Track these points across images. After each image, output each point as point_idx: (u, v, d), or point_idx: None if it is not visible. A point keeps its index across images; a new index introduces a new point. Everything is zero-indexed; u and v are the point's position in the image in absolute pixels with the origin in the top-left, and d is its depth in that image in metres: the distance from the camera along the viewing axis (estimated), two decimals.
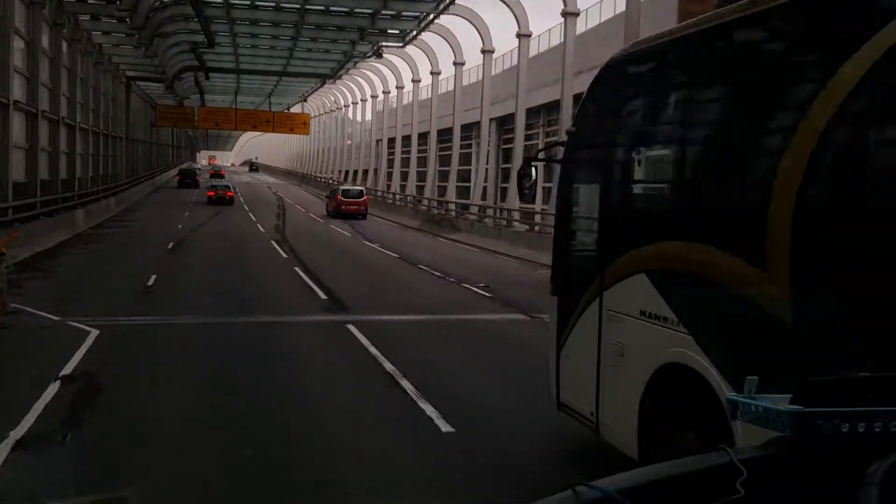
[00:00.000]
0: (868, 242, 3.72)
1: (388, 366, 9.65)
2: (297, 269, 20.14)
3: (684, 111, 5.28)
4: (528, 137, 34.26)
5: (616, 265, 5.49)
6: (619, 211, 5.81)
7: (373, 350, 10.61)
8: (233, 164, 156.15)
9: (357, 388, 8.96)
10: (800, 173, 3.90)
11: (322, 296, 15.76)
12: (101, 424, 7.30)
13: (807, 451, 1.39)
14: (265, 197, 60.09)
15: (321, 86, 64.90)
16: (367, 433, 7.31)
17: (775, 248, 4.01)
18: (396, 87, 54.09)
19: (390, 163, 56.72)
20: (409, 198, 46.09)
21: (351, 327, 12.19)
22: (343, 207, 41.03)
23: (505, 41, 37.49)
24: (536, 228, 26.47)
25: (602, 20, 32.41)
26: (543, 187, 23.34)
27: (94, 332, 11.24)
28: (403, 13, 36.53)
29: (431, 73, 45.49)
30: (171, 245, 24.94)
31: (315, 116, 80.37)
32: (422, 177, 47.53)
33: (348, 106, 71.62)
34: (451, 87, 46.46)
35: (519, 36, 31.34)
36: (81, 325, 11.69)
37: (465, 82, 41.73)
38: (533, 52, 34.05)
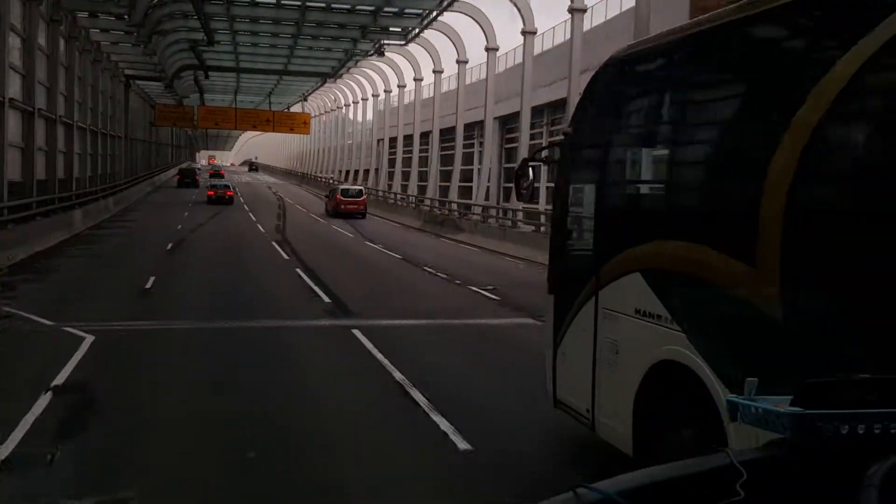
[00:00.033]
0: (857, 241, 3.77)
1: (397, 374, 9.19)
2: (298, 270, 19.69)
3: (678, 112, 5.39)
4: (531, 137, 33.80)
5: (611, 264, 5.57)
6: (615, 210, 5.90)
7: (380, 357, 10.15)
8: (232, 164, 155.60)
9: (367, 401, 8.47)
10: (790, 173, 3.95)
11: (325, 299, 15.30)
12: (92, 442, 6.81)
13: (807, 452, 1.40)
14: (265, 197, 59.67)
15: (322, 85, 64.46)
16: (380, 453, 6.84)
17: (765, 247, 4.07)
18: (398, 86, 53.61)
19: (391, 162, 56.29)
20: (411, 198, 45.69)
21: (356, 332, 11.73)
22: (342, 207, 41.10)
23: (506, 40, 37.06)
24: (542, 229, 26.00)
25: (607, 17, 31.98)
26: (548, 187, 22.93)
27: (90, 339, 10.79)
28: (406, 10, 36.06)
29: (434, 71, 45.01)
30: (170, 246, 24.51)
31: (315, 116, 79.97)
32: (423, 177, 47.09)
33: (349, 105, 71.19)
34: (452, 87, 46.09)
35: (524, 33, 30.85)
36: (76, 331, 11.23)
37: (467, 81, 41.31)
38: (536, 50, 33.54)
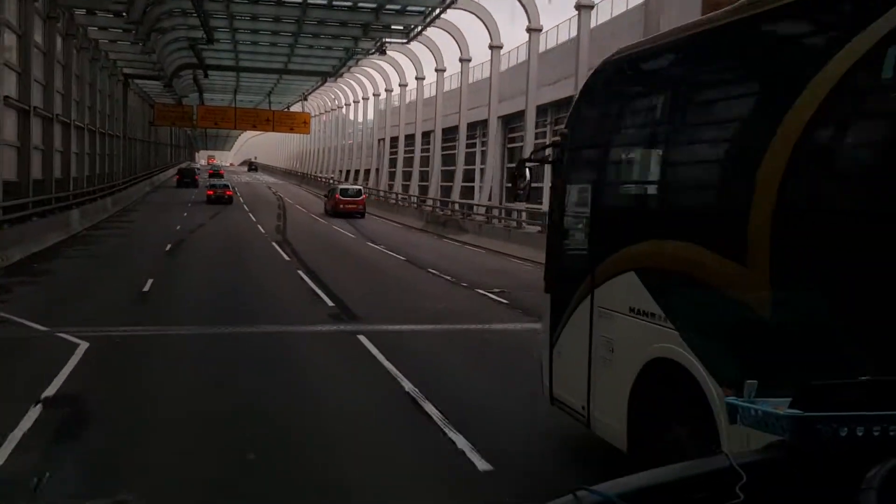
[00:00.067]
0: (846, 241, 3.80)
1: (407, 385, 8.71)
2: (300, 272, 19.22)
3: (671, 114, 5.43)
4: (535, 136, 33.30)
5: (606, 263, 5.65)
6: (610, 210, 5.99)
7: (388, 365, 9.67)
8: (231, 164, 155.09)
9: (376, 415, 7.99)
10: (779, 174, 4.01)
11: (329, 303, 14.81)
12: (82, 463, 6.32)
13: (806, 455, 1.39)
14: (265, 197, 59.21)
15: (322, 84, 64.00)
16: (393, 473, 6.36)
17: (756, 246, 4.13)
18: (399, 85, 53.12)
19: (392, 162, 55.80)
20: (412, 198, 45.27)
21: (362, 338, 11.26)
22: (341, 206, 41.30)
23: (504, 40, 36.43)
24: None
25: (613, 15, 31.51)
26: (551, 187, 22.48)
27: (84, 345, 10.31)
28: (409, 8, 35.56)
29: (436, 70, 44.53)
30: (168, 247, 24.03)
31: (315, 115, 79.52)
32: (424, 177, 46.62)
33: (349, 105, 70.74)
34: (453, 86, 45.65)
35: (529, 30, 30.38)
36: (70, 337, 10.75)
37: (470, 80, 40.85)
38: (539, 49, 33.04)
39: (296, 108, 73.26)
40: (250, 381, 8.93)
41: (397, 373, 9.25)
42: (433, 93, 47.02)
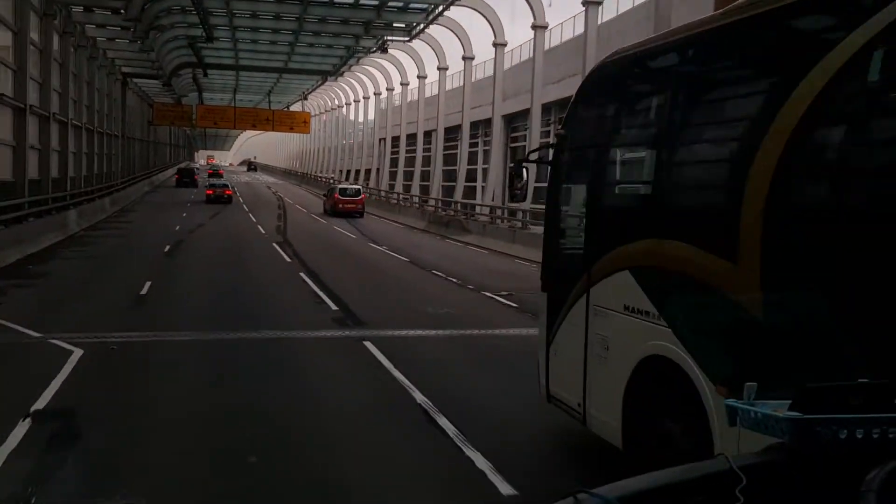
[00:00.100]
0: (834, 239, 3.81)
1: (418, 396, 8.25)
2: (302, 274, 18.76)
3: (665, 114, 5.47)
4: (539, 135, 32.82)
5: (602, 262, 5.73)
6: (605, 210, 6.11)
7: (397, 374, 9.22)
8: (231, 164, 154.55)
9: (388, 430, 7.48)
10: (769, 174, 4.04)
11: (332, 306, 14.34)
12: (72, 484, 5.86)
13: (805, 457, 1.39)
14: (265, 197, 58.74)
15: (322, 83, 63.49)
16: (407, 497, 5.90)
17: (747, 245, 4.18)
18: (401, 84, 52.62)
19: (394, 162, 55.30)
20: (414, 198, 44.83)
21: (368, 345, 10.81)
22: (340, 206, 41.33)
23: (509, 37, 35.92)
24: None
25: (619, 12, 31.04)
26: None
27: (78, 353, 9.87)
28: (411, 5, 35.04)
29: (439, 68, 44.02)
30: (167, 248, 23.56)
31: (315, 115, 79.05)
32: (425, 177, 46.13)
33: (350, 104, 70.24)
34: (455, 84, 45.17)
35: (535, 27, 29.85)
36: (64, 344, 10.30)
37: (472, 79, 40.35)
38: (545, 47, 32.56)
39: (296, 107, 72.79)
40: (252, 392, 8.45)
41: (407, 382, 8.80)
42: (435, 91, 46.51)
